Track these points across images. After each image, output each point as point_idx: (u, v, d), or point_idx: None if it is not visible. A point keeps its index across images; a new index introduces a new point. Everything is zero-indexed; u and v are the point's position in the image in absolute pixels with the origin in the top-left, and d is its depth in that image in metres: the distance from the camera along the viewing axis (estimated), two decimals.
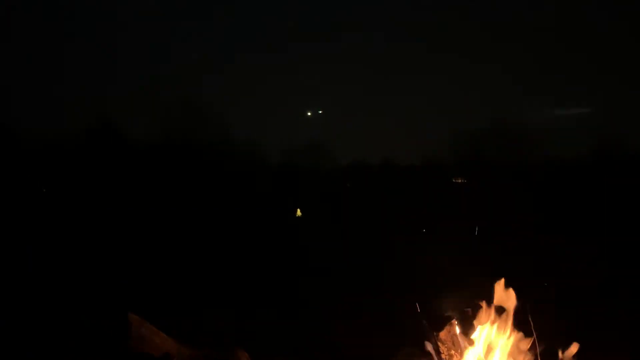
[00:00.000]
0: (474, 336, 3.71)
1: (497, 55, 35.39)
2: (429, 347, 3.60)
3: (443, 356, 3.63)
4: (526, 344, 3.59)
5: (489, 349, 3.64)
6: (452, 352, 3.68)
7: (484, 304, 3.61)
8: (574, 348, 3.56)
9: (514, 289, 3.63)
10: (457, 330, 3.74)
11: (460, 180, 23.81)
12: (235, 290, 7.02)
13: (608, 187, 18.11)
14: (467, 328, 3.72)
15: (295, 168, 24.64)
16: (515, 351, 3.59)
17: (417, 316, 3.78)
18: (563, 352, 3.56)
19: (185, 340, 3.89)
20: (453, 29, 36.07)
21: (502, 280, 3.66)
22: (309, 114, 26.52)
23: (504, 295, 3.62)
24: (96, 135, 20.75)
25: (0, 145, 18.84)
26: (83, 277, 7.66)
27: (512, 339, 3.60)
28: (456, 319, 3.75)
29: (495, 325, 3.63)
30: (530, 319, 3.62)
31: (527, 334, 3.61)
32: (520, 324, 3.64)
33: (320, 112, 26.79)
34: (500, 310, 3.61)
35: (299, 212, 18.73)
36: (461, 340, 3.72)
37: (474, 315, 3.67)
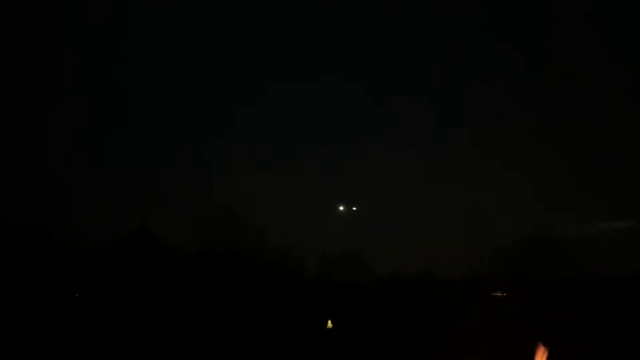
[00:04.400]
0: None
1: (537, 167, 35.32)
2: None
3: None
4: None
5: None
6: None
7: None
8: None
9: None
10: None
11: (499, 294, 22.82)
12: None
13: None
14: None
15: (329, 278, 24.32)
16: None
17: None
18: None
19: None
20: (493, 140, 36.79)
21: None
22: (341, 208, 26.67)
23: None
24: (135, 242, 21.37)
25: (41, 250, 19.64)
26: None
27: None
28: None
29: None
30: None
31: None
32: None
33: (354, 208, 26.88)
34: None
35: (329, 324, 18.20)
36: None
37: None
